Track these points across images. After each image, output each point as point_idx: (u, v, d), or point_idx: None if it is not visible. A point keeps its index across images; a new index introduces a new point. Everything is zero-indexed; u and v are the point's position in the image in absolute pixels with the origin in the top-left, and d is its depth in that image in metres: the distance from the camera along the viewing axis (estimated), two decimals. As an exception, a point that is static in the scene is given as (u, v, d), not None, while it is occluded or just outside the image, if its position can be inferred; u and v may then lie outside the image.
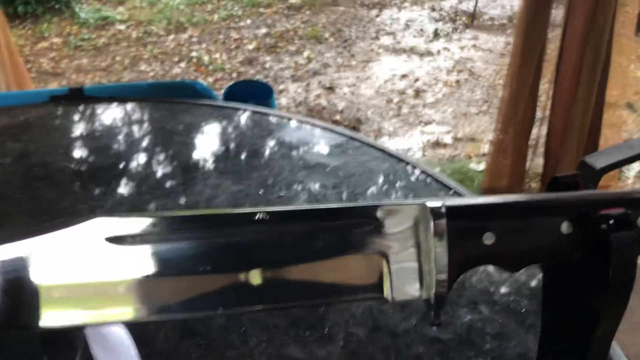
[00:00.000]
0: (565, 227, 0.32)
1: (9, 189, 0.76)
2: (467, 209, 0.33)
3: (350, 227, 0.32)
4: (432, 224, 0.32)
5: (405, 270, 0.32)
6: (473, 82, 3.13)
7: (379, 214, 0.32)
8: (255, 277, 0.32)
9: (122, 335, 0.52)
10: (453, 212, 0.32)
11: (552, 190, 0.35)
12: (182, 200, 0.71)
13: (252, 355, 0.50)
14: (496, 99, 2.74)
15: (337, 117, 2.77)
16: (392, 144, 2.53)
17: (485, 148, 2.40)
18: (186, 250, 0.31)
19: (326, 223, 0.32)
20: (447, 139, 2.58)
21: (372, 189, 0.73)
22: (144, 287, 0.32)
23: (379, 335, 0.51)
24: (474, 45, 3.60)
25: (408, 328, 0.53)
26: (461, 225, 0.32)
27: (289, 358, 0.51)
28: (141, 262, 0.32)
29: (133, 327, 0.49)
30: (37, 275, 0.31)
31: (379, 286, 0.33)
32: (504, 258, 0.33)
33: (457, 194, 0.71)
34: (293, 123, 0.92)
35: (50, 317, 0.32)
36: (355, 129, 2.67)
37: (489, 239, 0.32)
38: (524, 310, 0.55)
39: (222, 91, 1.10)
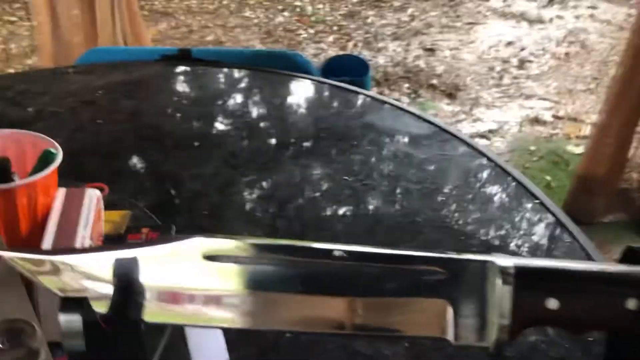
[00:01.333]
0: (631, 303, 0.33)
1: (121, 148, 0.83)
2: (534, 272, 0.34)
3: (422, 274, 0.35)
4: (499, 281, 0.34)
5: (469, 319, 0.35)
6: (584, 56, 2.96)
7: (450, 265, 0.34)
8: (330, 305, 0.35)
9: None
10: (521, 274, 0.34)
11: (626, 262, 0.35)
12: (271, 180, 0.75)
13: (322, 344, 0.54)
14: (607, 77, 2.58)
15: (434, 82, 2.72)
16: (488, 116, 2.46)
17: (587, 130, 2.29)
18: (270, 273, 0.35)
19: (400, 266, 0.35)
20: (547, 116, 2.48)
21: (455, 191, 0.74)
22: (231, 299, 0.36)
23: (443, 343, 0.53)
24: (591, 15, 3.38)
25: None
26: (527, 287, 0.34)
27: (356, 352, 0.54)
28: (231, 278, 0.36)
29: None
30: (145, 277, 0.36)
31: (443, 329, 0.35)
32: (567, 324, 0.34)
33: (543, 205, 0.71)
34: (387, 107, 0.93)
35: (152, 314, 0.37)
36: (451, 95, 2.62)
37: (553, 304, 0.33)
38: (591, 339, 0.55)
39: (319, 63, 1.12)
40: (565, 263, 0.35)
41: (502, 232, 0.68)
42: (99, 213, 0.72)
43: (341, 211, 0.70)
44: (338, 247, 0.35)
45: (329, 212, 0.70)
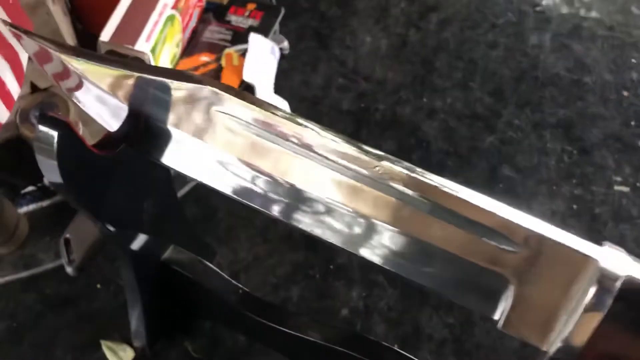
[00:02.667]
0: None
1: None
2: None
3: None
4: (594, 290, 0.25)
5: (530, 307, 0.27)
6: None
7: (532, 241, 0.26)
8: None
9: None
10: (627, 293, 0.24)
11: None
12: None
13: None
14: None
15: None
16: None
17: None
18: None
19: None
20: None
21: None
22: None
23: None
24: None
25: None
26: (626, 311, 0.24)
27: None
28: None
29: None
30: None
31: (493, 304, 0.28)
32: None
33: None
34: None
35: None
36: None
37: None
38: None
39: None
40: None
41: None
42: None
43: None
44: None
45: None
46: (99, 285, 0.58)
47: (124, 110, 0.37)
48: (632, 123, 0.66)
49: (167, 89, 0.34)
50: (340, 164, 0.31)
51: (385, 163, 0.30)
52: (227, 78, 0.63)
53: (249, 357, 0.53)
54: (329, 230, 0.33)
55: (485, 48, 0.74)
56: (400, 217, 0.31)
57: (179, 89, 0.34)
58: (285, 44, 0.69)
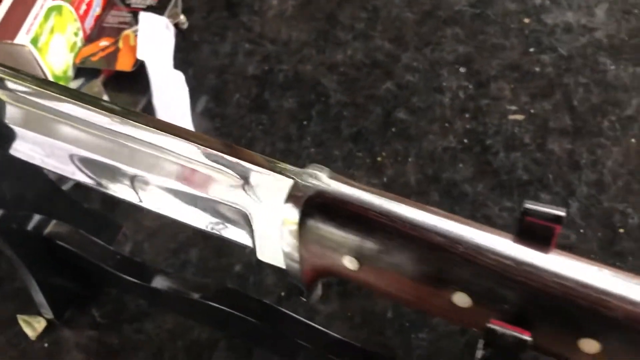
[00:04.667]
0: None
1: None
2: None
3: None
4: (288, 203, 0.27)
5: (263, 234, 0.29)
6: None
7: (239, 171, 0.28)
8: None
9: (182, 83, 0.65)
10: (318, 199, 0.26)
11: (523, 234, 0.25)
12: None
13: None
14: None
15: None
16: None
17: None
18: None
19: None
20: None
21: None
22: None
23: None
24: None
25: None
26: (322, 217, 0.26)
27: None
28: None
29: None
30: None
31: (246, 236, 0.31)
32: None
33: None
34: None
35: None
36: None
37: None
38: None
39: None
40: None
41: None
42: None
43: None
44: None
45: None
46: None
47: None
48: (532, 50, 0.65)
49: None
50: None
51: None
52: (123, 58, 0.66)
53: (149, 318, 0.56)
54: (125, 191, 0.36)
55: (388, -6, 0.73)
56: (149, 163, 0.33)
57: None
58: (182, 18, 0.71)
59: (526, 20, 0.67)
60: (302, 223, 0.27)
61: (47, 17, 0.61)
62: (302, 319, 0.49)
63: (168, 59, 0.67)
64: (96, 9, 0.70)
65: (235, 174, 0.30)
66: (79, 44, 0.68)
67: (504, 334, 0.23)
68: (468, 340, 0.49)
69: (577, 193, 0.55)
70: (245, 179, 0.30)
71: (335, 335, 0.46)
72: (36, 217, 0.51)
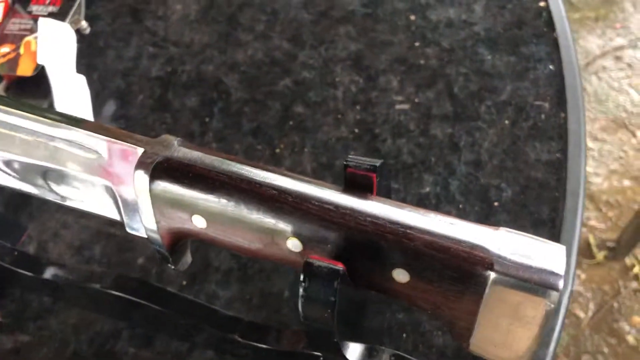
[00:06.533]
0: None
1: None
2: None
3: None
4: (138, 170, 0.29)
5: (128, 206, 0.31)
6: None
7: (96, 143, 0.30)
8: None
9: (83, 85, 0.65)
10: (165, 164, 0.28)
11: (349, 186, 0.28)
12: None
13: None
14: None
15: None
16: None
17: None
18: None
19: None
20: None
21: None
22: None
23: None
24: None
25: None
26: (170, 181, 0.28)
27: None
28: None
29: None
30: None
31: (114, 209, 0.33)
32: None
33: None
34: None
35: None
36: None
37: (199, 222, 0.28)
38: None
39: None
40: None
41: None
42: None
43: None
44: None
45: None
46: None
47: None
48: (417, 44, 0.70)
49: None
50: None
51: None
52: (24, 63, 0.67)
53: (53, 314, 0.57)
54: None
55: (286, -3, 0.77)
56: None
57: None
58: (83, 24, 0.72)
59: (412, 17, 0.72)
60: (152, 188, 0.30)
61: (-60, 24, 0.61)
62: (198, 301, 0.51)
63: (70, 63, 0.68)
64: (-4, 17, 0.71)
65: (92, 148, 0.32)
66: (-21, 51, 0.68)
67: (320, 266, 0.26)
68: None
69: (457, 172, 0.59)
70: (100, 152, 0.32)
71: (229, 313, 0.49)
72: None
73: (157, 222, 0.31)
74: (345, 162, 0.28)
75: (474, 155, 0.60)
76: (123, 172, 0.31)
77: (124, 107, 0.70)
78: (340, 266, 0.26)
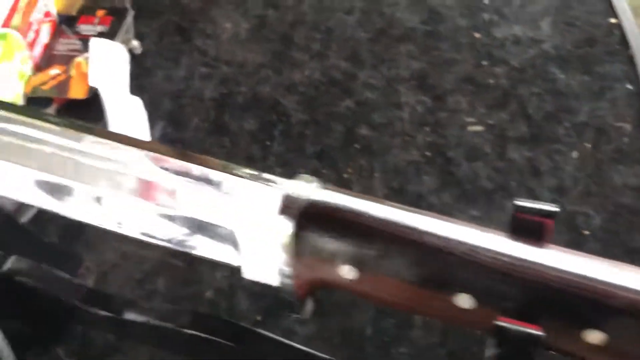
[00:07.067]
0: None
1: None
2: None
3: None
4: (281, 215, 0.26)
5: (252, 248, 0.28)
6: None
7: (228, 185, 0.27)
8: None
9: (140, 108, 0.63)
10: (313, 210, 0.26)
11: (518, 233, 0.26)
12: None
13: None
14: None
15: None
16: None
17: None
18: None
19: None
20: None
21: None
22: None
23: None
24: None
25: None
26: (318, 228, 0.26)
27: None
28: None
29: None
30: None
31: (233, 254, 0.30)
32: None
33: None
34: None
35: None
36: None
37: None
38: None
39: None
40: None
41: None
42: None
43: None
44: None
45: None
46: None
47: None
48: (484, 63, 0.67)
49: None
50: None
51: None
52: (76, 85, 0.64)
53: (119, 353, 0.54)
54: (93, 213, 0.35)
55: (341, 15, 0.74)
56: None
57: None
58: (134, 43, 0.70)
59: (477, 35, 0.69)
60: (297, 236, 0.27)
61: (-8, 45, 0.59)
62: (279, 338, 0.48)
63: (124, 84, 0.66)
64: (44, 37, 0.68)
65: (217, 189, 0.29)
66: (29, 72, 0.65)
67: (516, 331, 0.23)
68: (449, 350, 0.49)
69: (540, 199, 0.56)
70: (229, 193, 0.29)
71: (315, 352, 0.46)
72: (-9, 255, 0.49)
73: (294, 271, 0.28)
74: (515, 206, 0.26)
75: (556, 180, 0.57)
76: (257, 217, 0.28)
77: (178, 130, 0.67)
78: (539, 331, 0.23)
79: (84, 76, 0.64)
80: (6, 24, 0.60)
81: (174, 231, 0.32)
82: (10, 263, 0.50)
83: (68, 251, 0.58)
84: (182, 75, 0.72)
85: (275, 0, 0.77)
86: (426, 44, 0.70)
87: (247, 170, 0.29)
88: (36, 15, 0.66)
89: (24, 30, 0.64)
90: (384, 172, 0.60)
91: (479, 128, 0.62)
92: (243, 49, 0.73)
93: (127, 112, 0.64)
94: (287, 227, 0.27)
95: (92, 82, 0.63)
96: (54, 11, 0.70)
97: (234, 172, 0.29)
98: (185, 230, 0.31)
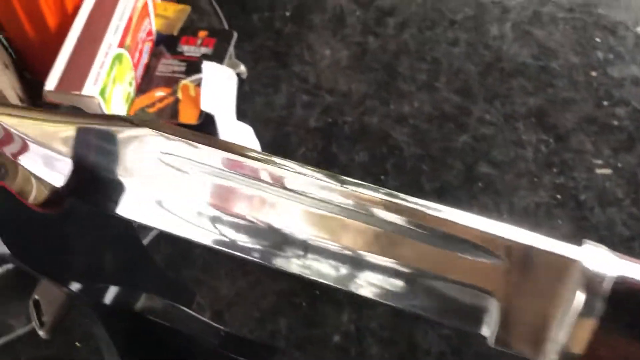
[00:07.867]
0: None
1: None
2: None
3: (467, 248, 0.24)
4: (583, 294, 0.23)
5: (518, 320, 0.25)
6: None
7: (511, 251, 0.24)
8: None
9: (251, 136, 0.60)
10: (622, 293, 0.22)
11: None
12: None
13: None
14: None
15: None
16: None
17: None
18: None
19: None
20: None
21: None
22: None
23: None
24: None
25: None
26: (621, 314, 0.22)
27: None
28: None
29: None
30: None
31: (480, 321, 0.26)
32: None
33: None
34: None
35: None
36: None
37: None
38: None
39: None
40: None
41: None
42: (145, 8, 0.62)
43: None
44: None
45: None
46: (77, 344, 0.55)
47: (67, 163, 0.34)
48: (605, 103, 0.65)
49: (109, 137, 0.32)
50: (316, 198, 0.29)
51: (362, 190, 0.28)
52: (185, 110, 0.61)
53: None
54: (315, 269, 0.31)
55: (446, 46, 0.72)
56: (385, 245, 0.29)
57: (120, 135, 0.32)
58: (242, 67, 0.67)
59: (593, 74, 0.67)
60: (603, 315, 0.24)
61: (112, 66, 0.56)
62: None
63: (232, 110, 0.63)
64: (145, 57, 0.65)
65: (490, 249, 0.26)
66: (132, 94, 0.62)
67: None
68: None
69: (683, 248, 0.54)
70: (506, 257, 0.26)
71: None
72: (125, 292, 0.45)
73: (574, 348, 0.25)
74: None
75: (698, 228, 0.55)
76: (538, 287, 0.25)
77: (285, 159, 0.64)
78: None
79: (193, 100, 0.62)
80: (121, 44, 0.57)
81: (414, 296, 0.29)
82: (143, 301, 0.46)
83: (180, 284, 0.55)
84: (283, 102, 0.69)
85: (374, 28, 0.75)
86: (540, 80, 0.68)
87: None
88: (142, 34, 0.63)
89: (132, 50, 0.61)
90: (511, 213, 0.58)
91: (607, 171, 0.60)
92: (345, 77, 0.71)
93: (239, 139, 0.61)
94: (591, 304, 0.24)
95: (204, 107, 0.60)
96: (154, 30, 0.67)
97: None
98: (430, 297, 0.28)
